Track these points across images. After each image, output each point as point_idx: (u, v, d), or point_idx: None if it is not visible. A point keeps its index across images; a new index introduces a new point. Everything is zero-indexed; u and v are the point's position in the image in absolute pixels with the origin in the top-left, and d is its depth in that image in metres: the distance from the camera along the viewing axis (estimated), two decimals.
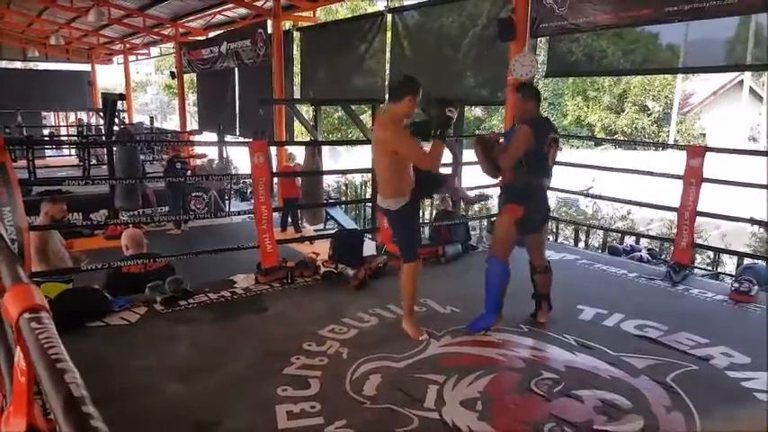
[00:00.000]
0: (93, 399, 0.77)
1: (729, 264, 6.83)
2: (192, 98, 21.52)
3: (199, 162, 11.18)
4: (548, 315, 3.72)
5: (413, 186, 3.35)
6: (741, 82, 19.17)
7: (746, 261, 5.63)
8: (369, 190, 11.03)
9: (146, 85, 33.50)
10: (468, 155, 7.05)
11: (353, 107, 9.20)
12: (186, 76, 16.50)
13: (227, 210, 9.43)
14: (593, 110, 20.39)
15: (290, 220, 9.24)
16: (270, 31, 10.63)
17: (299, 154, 9.31)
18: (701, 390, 2.76)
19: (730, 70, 12.04)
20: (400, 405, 2.59)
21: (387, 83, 8.74)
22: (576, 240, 7.77)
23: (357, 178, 12.75)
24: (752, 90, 19.26)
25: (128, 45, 18.21)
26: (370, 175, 9.77)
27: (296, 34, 11.07)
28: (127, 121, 15.61)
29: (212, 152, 11.84)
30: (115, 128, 10.70)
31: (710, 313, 3.96)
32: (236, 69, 12.58)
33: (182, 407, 2.60)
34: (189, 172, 9.52)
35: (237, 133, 12.84)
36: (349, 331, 3.48)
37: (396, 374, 2.90)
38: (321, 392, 2.71)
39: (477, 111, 21.05)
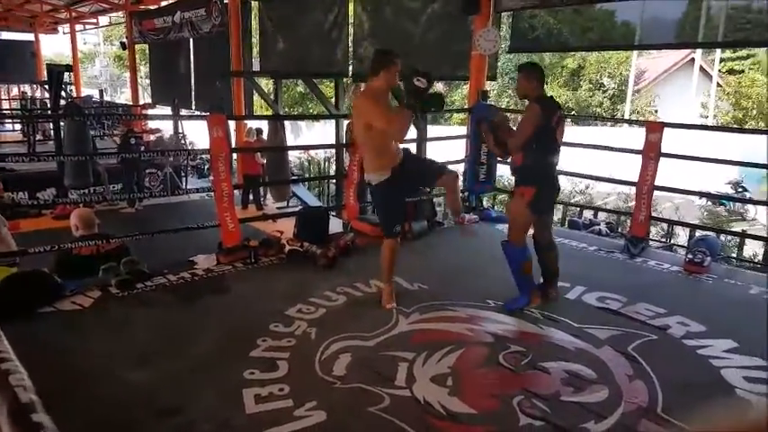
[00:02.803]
0: (47, 389, 0.68)
1: (682, 236, 7.06)
2: (144, 70, 20.67)
3: (153, 137, 10.79)
4: (558, 291, 3.72)
5: (396, 163, 3.34)
6: (692, 60, 19.66)
7: (698, 233, 5.82)
8: (333, 166, 10.90)
9: (94, 56, 32.00)
10: (433, 130, 7.05)
11: (316, 81, 9.00)
12: (138, 47, 15.82)
13: (185, 187, 9.16)
14: (552, 86, 20.61)
15: (251, 197, 9.05)
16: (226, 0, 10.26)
17: (265, 129, 9.07)
18: (660, 359, 2.85)
19: (682, 47, 12.35)
20: (371, 384, 2.57)
21: (351, 56, 8.56)
22: None
23: (320, 154, 12.59)
24: (702, 68, 19.79)
25: (74, 13, 17.27)
26: (333, 150, 9.69)
27: (254, 3, 10.71)
28: (74, 95, 14.89)
29: (167, 127, 11.45)
30: (62, 101, 10.22)
31: (667, 284, 4.08)
32: (191, 40, 12.11)
33: (143, 394, 2.51)
34: (143, 147, 9.17)
35: (193, 107, 12.43)
36: (317, 311, 3.43)
37: (366, 353, 2.88)
38: (290, 374, 2.66)
39: (439, 86, 20.98)
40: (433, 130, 6.69)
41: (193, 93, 12.50)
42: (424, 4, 7.40)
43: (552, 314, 3.42)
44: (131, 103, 15.48)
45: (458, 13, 6.54)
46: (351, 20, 8.61)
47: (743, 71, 19.67)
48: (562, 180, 4.09)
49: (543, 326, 3.29)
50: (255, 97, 10.75)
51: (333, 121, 8.03)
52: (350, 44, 8.59)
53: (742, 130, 13.65)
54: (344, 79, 9.16)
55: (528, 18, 6.49)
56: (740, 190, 14.04)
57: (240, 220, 4.57)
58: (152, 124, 11.26)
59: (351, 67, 8.62)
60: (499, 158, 3.73)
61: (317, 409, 2.37)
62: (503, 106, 16.76)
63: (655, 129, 4.82)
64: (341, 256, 4.41)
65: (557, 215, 8.65)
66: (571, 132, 4.14)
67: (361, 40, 8.39)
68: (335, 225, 5.61)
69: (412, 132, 6.52)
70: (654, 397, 2.49)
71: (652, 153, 4.77)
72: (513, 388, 2.58)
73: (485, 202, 6.67)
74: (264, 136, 8.93)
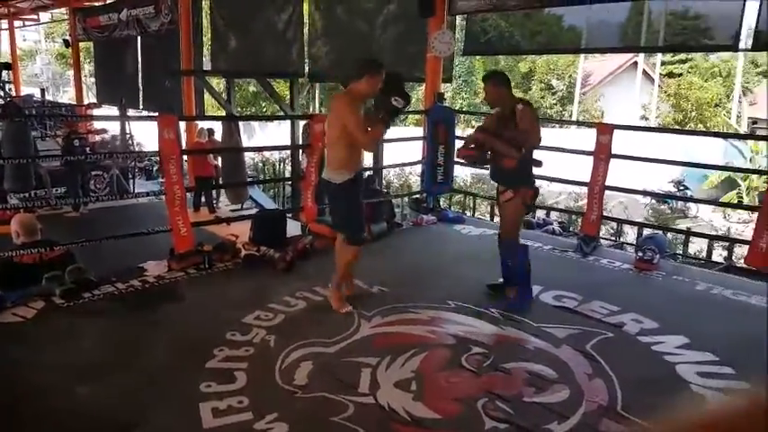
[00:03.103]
0: None
1: (631, 234, 7.29)
2: (88, 68, 19.88)
3: (98, 138, 10.37)
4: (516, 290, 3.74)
5: (360, 168, 3.42)
6: (636, 63, 20.40)
7: (645, 231, 6.01)
8: (288, 168, 10.75)
9: (35, 54, 30.54)
10: (389, 131, 7.04)
11: (271, 81, 8.85)
12: (82, 45, 15.19)
13: (132, 190, 8.84)
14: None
15: (203, 200, 8.81)
16: None
17: (217, 130, 8.84)
18: (617, 356, 2.91)
19: (625, 51, 12.80)
20: (334, 392, 2.52)
21: (306, 57, 8.46)
22: (492, 215, 7.97)
23: (275, 155, 12.39)
24: (645, 72, 20.55)
25: (12, 9, 16.43)
26: (289, 152, 9.53)
27: (205, 1, 10.45)
28: (14, 94, 14.19)
29: (113, 127, 11.01)
30: (0, 101, 9.71)
31: (619, 282, 4.19)
32: (139, 38, 11.72)
33: (93, 409, 2.38)
34: (88, 149, 8.79)
35: (141, 107, 12.03)
36: (275, 317, 3.34)
37: (327, 360, 2.83)
38: (249, 385, 2.58)
39: None
40: (388, 132, 6.68)
41: (141, 92, 12.10)
42: (379, 6, 7.39)
43: (512, 314, 3.45)
44: (75, 103, 14.88)
45: (413, 15, 6.55)
46: (306, 19, 8.51)
47: (681, 74, 20.56)
48: None
49: (503, 326, 3.31)
50: (207, 97, 10.49)
51: (288, 122, 7.92)
52: (305, 44, 8.49)
53: (691, 132, 14.37)
54: (299, 80, 9.04)
55: (481, 21, 6.57)
56: (682, 188, 14.67)
57: (193, 224, 4.42)
58: (98, 124, 10.81)
59: (306, 67, 8.51)
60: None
61: (279, 421, 2.30)
62: (457, 108, 16.95)
63: (605, 131, 4.95)
64: (299, 260, 4.33)
65: None
66: None
67: (316, 39, 8.31)
68: (292, 228, 5.52)
69: None
70: (613, 395, 2.54)
71: (602, 154, 4.89)
72: (476, 391, 2.58)
73: (442, 203, 6.70)
74: (217, 136, 8.72)
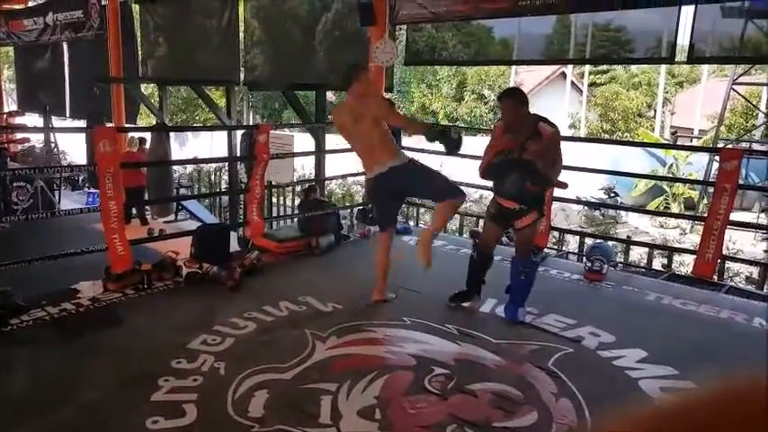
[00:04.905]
0: None
1: (572, 242, 7.47)
2: (7, 74, 18.56)
3: (20, 147, 9.66)
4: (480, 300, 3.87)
5: (391, 164, 3.51)
6: (564, 74, 21.22)
7: (588, 240, 6.16)
8: (224, 176, 10.38)
9: None
10: (333, 141, 6.90)
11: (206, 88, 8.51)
12: (2, 49, 14.18)
13: (58, 202, 8.23)
14: (436, 98, 21.30)
15: (134, 211, 8.32)
16: (104, 2, 9.47)
17: (147, 138, 8.39)
18: (580, 373, 2.89)
19: (553, 63, 13.34)
20: (293, 424, 2.36)
21: (243, 63, 8.20)
22: None
23: (210, 165, 11.94)
24: (573, 83, 21.43)
25: None
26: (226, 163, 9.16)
27: (135, 6, 9.99)
28: None
29: (35, 135, 10.28)
30: None
31: (571, 293, 4.22)
32: (66, 43, 11.08)
33: None
34: (8, 159, 8.15)
35: (68, 115, 11.34)
36: (224, 341, 3.13)
37: (284, 387, 2.65)
38: (199, 420, 2.37)
39: (330, 95, 20.87)
40: (330, 141, 6.56)
41: (68, 100, 11.43)
42: (317, 14, 7.29)
43: (469, 329, 3.39)
44: None
45: (352, 24, 6.48)
46: (242, 26, 8.27)
47: (602, 84, 21.66)
48: None
49: (462, 342, 3.25)
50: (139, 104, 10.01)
51: (222, 132, 7.63)
52: (241, 51, 8.25)
53: (631, 143, 15.12)
54: (236, 87, 8.76)
55: (421, 32, 6.60)
56: (612, 195, 15.32)
57: (131, 242, 4.12)
58: (21, 133, 10.07)
59: (242, 75, 8.26)
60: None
61: None
62: None
63: None
64: (246, 277, 4.12)
65: (454, 225, 8.85)
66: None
67: (252, 47, 8.09)
68: (233, 242, 5.28)
69: (310, 145, 6.37)
70: (582, 415, 2.50)
71: None
72: (443, 416, 2.48)
73: None
74: (148, 146, 8.29)
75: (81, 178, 10.33)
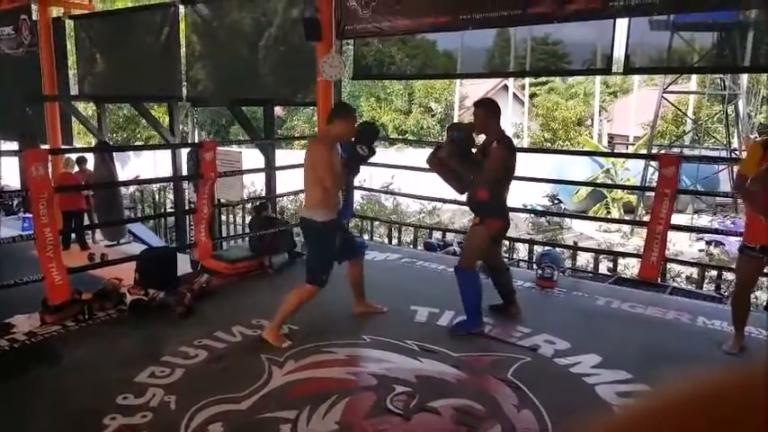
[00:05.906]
0: None
1: (522, 250, 7.60)
2: None
3: None
4: (519, 307, 3.87)
5: (339, 208, 3.46)
6: (506, 87, 21.82)
7: (537, 247, 6.28)
8: (170, 196, 10.05)
9: None
10: (284, 158, 6.79)
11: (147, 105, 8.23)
12: None
13: None
14: (385, 111, 21.48)
15: (73, 236, 7.91)
16: (36, 17, 9.05)
17: (89, 157, 8.03)
18: (539, 382, 2.91)
19: (495, 76, 13.74)
20: None
21: (186, 79, 7.99)
22: (390, 237, 7.97)
23: (153, 185, 11.54)
24: (515, 94, 22.07)
25: None
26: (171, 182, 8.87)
27: (69, 23, 9.59)
28: None
29: None
30: None
31: (525, 301, 4.22)
32: None
33: None
34: None
35: None
36: (173, 372, 2.98)
37: (240, 419, 2.54)
38: None
39: (277, 110, 20.70)
40: (280, 157, 6.46)
41: None
42: (261, 29, 7.20)
43: (428, 344, 3.36)
44: None
45: (298, 39, 6.43)
46: (183, 42, 8.07)
47: (539, 95, 22.48)
48: (408, 201, 4.19)
49: (422, 358, 3.21)
50: (75, 123, 9.58)
51: (166, 151, 7.39)
52: (183, 66, 8.04)
53: (575, 152, 15.59)
54: (179, 103, 8.52)
55: (368, 46, 6.61)
56: (556, 202, 15.78)
57: (68, 270, 3.89)
58: None
59: (185, 91, 8.05)
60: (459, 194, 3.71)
61: None
62: None
63: None
64: (195, 302, 3.96)
65: (408, 237, 8.87)
66: (408, 156, 4.24)
67: (194, 62, 7.91)
68: (180, 263, 5.08)
69: (259, 161, 6.25)
70: (544, 426, 2.51)
71: None
72: None
73: None
74: (89, 166, 7.93)
75: (15, 203, 9.79)
